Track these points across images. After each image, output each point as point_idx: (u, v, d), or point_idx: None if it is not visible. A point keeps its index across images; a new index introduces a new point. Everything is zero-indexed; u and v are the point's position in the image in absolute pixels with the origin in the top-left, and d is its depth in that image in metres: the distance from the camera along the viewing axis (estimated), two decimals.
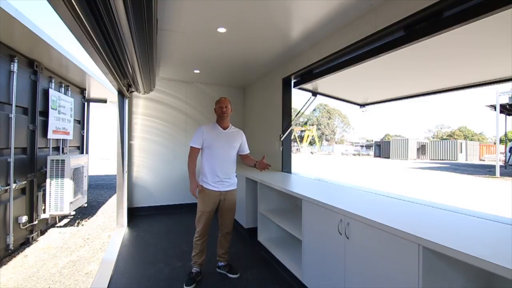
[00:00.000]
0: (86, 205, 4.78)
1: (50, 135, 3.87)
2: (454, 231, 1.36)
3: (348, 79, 3.30)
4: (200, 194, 2.48)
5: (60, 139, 4.31)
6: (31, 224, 3.46)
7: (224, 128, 2.53)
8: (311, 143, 44.17)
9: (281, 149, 3.91)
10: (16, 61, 3.04)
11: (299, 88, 3.78)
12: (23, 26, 2.48)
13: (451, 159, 26.43)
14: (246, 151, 2.67)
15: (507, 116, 15.62)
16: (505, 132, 16.93)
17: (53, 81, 3.93)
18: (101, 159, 16.96)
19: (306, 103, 3.89)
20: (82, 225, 4.25)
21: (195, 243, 2.52)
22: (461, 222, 1.51)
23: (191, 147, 2.46)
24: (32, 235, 3.48)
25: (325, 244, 1.97)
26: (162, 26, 2.63)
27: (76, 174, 4.09)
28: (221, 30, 2.74)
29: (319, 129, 50.38)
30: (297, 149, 40.48)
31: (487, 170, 15.89)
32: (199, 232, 2.49)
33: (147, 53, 2.26)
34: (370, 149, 41.45)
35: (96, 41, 1.80)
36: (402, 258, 1.36)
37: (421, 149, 28.90)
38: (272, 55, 3.49)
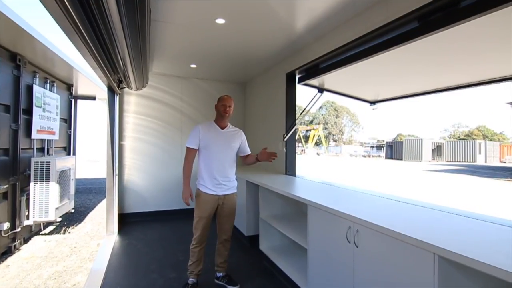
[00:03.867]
0: (73, 210, 4.78)
1: (34, 135, 3.88)
2: (472, 239, 1.36)
3: (357, 75, 3.30)
4: (197, 198, 2.49)
5: (45, 140, 4.32)
6: (14, 231, 3.46)
7: (222, 128, 2.54)
8: (317, 143, 44.14)
9: (285, 150, 3.91)
10: None
11: (304, 84, 3.78)
12: (5, 17, 2.49)
13: (469, 160, 26.37)
14: (247, 151, 2.67)
15: None
16: None
17: (37, 76, 3.94)
18: (89, 161, 16.98)
19: (311, 100, 3.89)
20: (69, 232, 4.26)
21: (192, 251, 2.52)
22: (480, 229, 1.50)
23: (187, 148, 2.48)
24: (15, 244, 3.49)
25: (332, 253, 1.97)
26: (155, 17, 2.64)
27: (63, 177, 4.10)
28: (220, 21, 2.75)
29: (325, 128, 50.34)
30: (302, 150, 40.43)
31: (508, 172, 15.85)
32: (196, 239, 2.49)
33: (140, 46, 2.26)
34: (381, 150, 41.43)
35: (84, 33, 1.80)
36: (416, 268, 1.36)
37: (437, 150, 28.84)
38: (275, 48, 3.50)
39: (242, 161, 2.71)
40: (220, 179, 2.46)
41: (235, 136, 2.58)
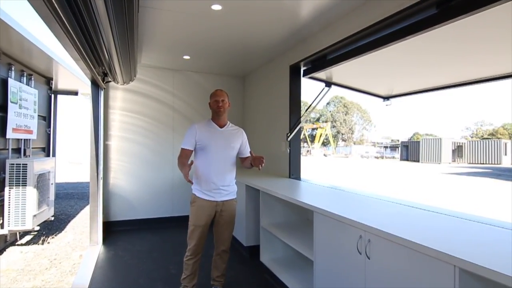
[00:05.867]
0: (53, 218, 4.79)
1: (10, 134, 3.88)
2: (497, 249, 1.36)
3: (368, 67, 3.29)
4: (192, 205, 2.49)
5: (21, 139, 4.33)
6: None
7: (221, 126, 2.54)
8: (325, 143, 44.20)
9: (288, 150, 3.91)
10: None
11: (310, 78, 3.78)
12: None
13: (493, 162, 26.38)
14: (247, 153, 2.67)
15: None
16: None
17: (13, 69, 3.95)
18: (71, 163, 17.00)
19: (318, 95, 3.88)
20: (48, 242, 4.26)
21: (185, 263, 2.52)
22: (505, 239, 1.50)
23: (181, 149, 2.47)
24: None
25: (342, 266, 1.97)
26: (144, 3, 2.64)
27: (41, 181, 4.10)
28: (216, 7, 2.75)
29: (334, 126, 50.37)
30: (308, 151, 40.48)
31: None
32: (191, 250, 2.49)
33: (127, 35, 2.26)
34: (396, 151, 41.44)
35: (65, 21, 1.80)
36: (434, 283, 1.36)
37: (457, 151, 28.88)
38: (278, 38, 3.50)
39: (241, 163, 2.71)
40: (219, 183, 2.46)
41: (235, 136, 2.58)
